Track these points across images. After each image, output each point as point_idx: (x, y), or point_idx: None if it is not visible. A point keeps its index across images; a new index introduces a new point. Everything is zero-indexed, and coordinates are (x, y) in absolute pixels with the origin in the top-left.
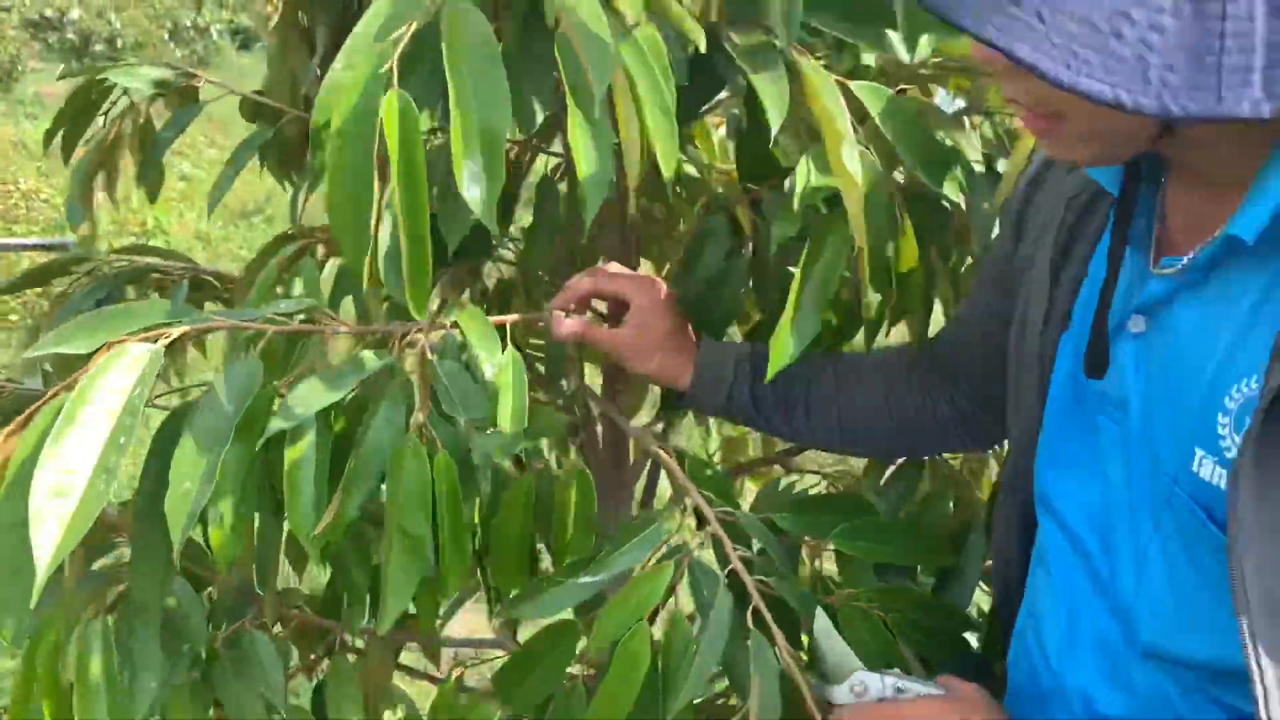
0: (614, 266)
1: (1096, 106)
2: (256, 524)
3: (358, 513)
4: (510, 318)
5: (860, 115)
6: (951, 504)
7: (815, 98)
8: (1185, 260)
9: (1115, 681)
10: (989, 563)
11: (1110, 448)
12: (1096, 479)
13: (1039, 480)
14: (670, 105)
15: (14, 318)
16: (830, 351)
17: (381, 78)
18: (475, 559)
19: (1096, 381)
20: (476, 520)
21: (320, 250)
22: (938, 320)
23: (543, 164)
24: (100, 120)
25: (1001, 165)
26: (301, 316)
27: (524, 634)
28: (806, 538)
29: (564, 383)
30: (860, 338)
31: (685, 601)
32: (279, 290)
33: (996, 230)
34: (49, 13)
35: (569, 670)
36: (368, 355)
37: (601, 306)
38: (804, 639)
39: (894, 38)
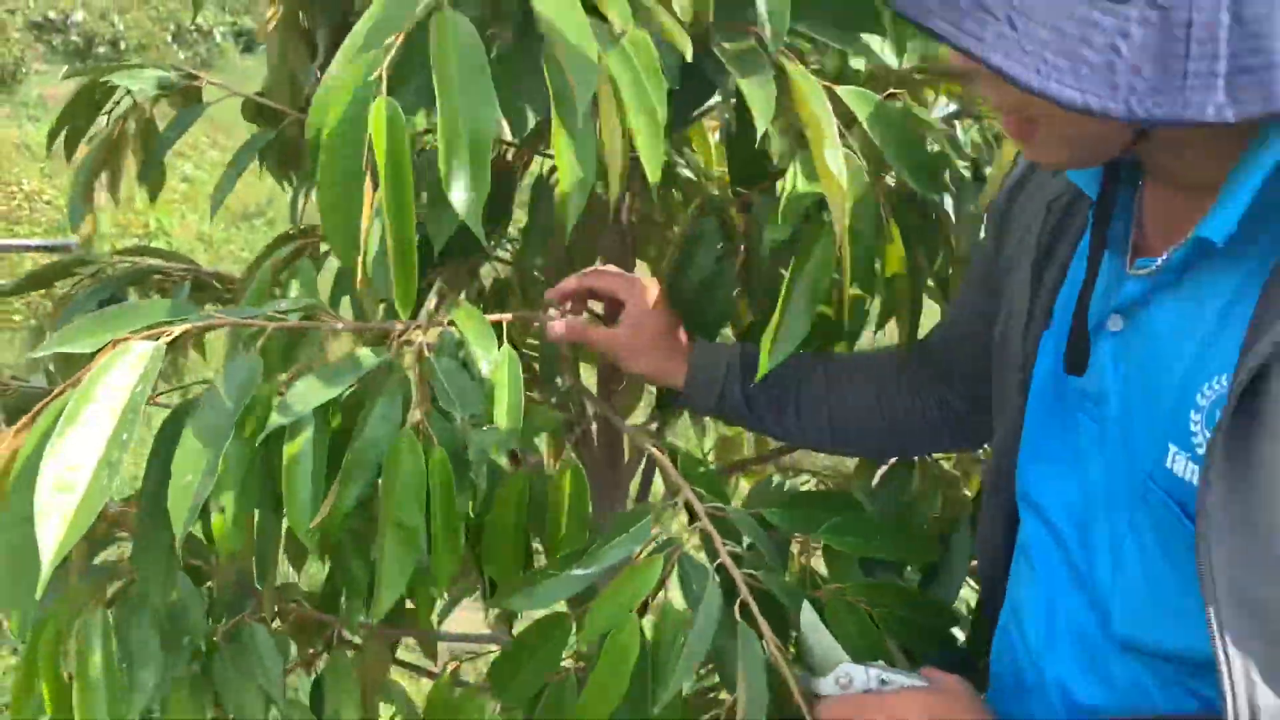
0: (609, 268)
1: (1069, 112)
2: (256, 519)
3: (354, 504)
4: (506, 316)
5: (849, 120)
6: (940, 502)
7: (803, 102)
8: (1159, 261)
9: (1094, 673)
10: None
11: (1089, 444)
12: (1076, 474)
13: (1021, 476)
14: (657, 110)
15: (17, 318)
16: (822, 352)
17: (371, 85)
18: (471, 554)
19: (1076, 379)
20: (470, 514)
21: (323, 248)
22: (932, 320)
23: (539, 165)
24: (103, 119)
25: (988, 169)
26: (300, 315)
27: (519, 630)
28: (796, 534)
29: (559, 380)
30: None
31: (676, 596)
32: (276, 291)
33: (984, 232)
34: (52, 15)
35: (562, 662)
36: (364, 352)
37: (598, 308)
38: (792, 632)
39: (881, 43)
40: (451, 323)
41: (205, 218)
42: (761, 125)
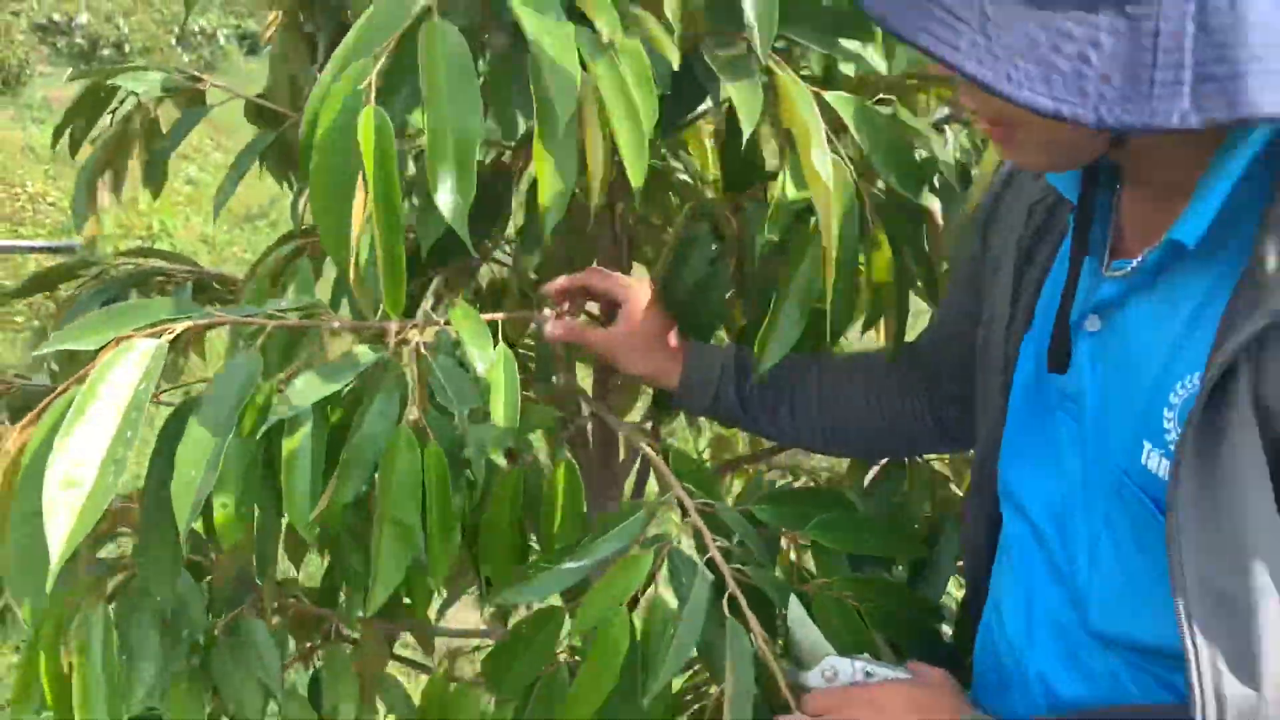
0: (605, 270)
1: (1043, 118)
2: (256, 514)
3: (351, 499)
4: (501, 315)
5: (839, 125)
6: (930, 502)
7: (791, 107)
8: (1134, 263)
9: (1074, 667)
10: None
11: (1068, 442)
12: (1055, 471)
13: (1003, 474)
14: (642, 116)
15: (20, 319)
16: (815, 353)
17: (360, 93)
18: (467, 551)
19: (1056, 378)
20: (465, 510)
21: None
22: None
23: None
24: (107, 122)
25: (974, 172)
26: (299, 313)
27: (514, 623)
28: (785, 530)
29: (555, 379)
30: (852, 338)
31: (667, 591)
32: (277, 290)
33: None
34: (57, 17)
35: (555, 655)
36: (362, 350)
37: (594, 309)
38: (779, 624)
39: (870, 49)
40: (448, 322)
41: (208, 219)
42: (747, 129)
